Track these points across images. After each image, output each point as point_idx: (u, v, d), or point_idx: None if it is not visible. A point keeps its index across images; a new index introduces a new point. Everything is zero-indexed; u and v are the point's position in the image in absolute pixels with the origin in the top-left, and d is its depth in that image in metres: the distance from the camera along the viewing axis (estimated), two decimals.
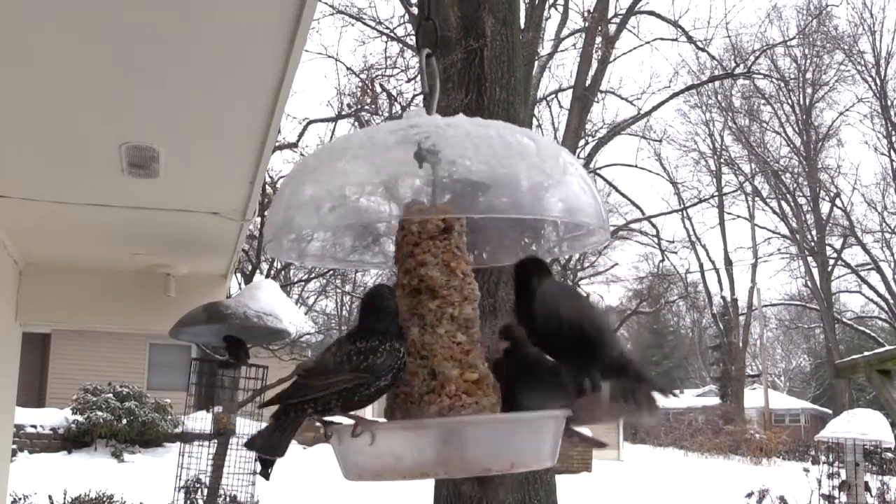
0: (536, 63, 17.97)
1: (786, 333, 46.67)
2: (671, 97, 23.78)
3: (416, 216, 1.28)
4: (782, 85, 32.12)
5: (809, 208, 33.85)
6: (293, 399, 1.22)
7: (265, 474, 1.42)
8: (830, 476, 11.79)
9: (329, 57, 21.41)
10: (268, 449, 1.22)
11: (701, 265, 37.39)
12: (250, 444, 1.28)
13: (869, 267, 33.60)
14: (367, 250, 1.52)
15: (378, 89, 16.52)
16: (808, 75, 32.76)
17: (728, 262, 37.23)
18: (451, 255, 1.28)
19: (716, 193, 34.72)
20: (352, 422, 1.20)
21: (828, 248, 34.16)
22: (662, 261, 33.74)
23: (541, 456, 1.22)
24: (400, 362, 1.23)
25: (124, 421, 17.15)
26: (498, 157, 1.18)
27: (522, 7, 13.26)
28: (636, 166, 27.64)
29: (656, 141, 28.88)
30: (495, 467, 1.18)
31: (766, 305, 39.66)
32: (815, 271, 33.57)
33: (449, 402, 1.21)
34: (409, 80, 16.13)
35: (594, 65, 19.54)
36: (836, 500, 11.40)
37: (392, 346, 1.23)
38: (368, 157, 1.23)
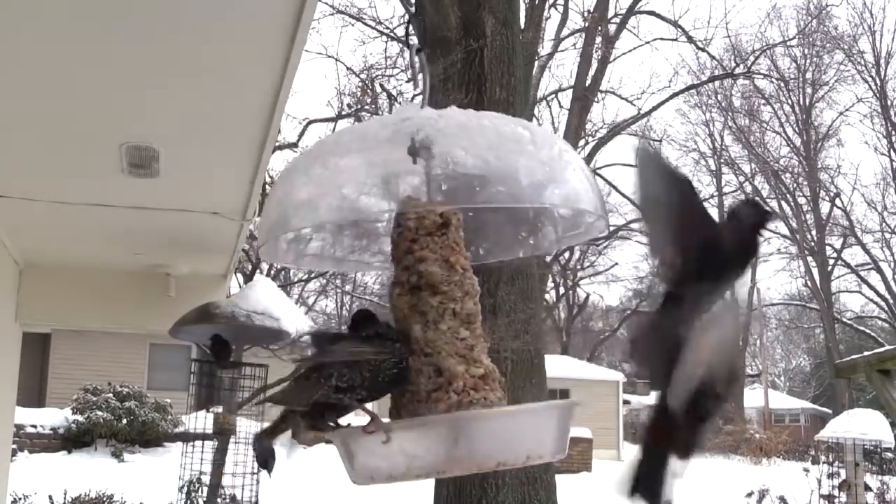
0: (536, 63, 17.97)
1: (786, 333, 46.66)
2: (671, 97, 23.79)
3: (413, 211, 1.27)
4: (782, 85, 32.10)
5: (809, 208, 33.85)
6: (321, 359, 1.18)
7: (268, 470, 1.40)
8: (830, 476, 11.80)
9: (329, 57, 21.35)
10: (295, 401, 1.19)
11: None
12: (272, 398, 1.25)
13: (869, 267, 33.60)
14: (366, 250, 1.51)
15: (378, 89, 16.52)
16: (808, 75, 32.76)
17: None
18: (450, 250, 1.26)
19: (716, 193, 34.70)
20: (358, 423, 1.19)
21: (828, 248, 34.15)
22: None
23: (555, 446, 1.21)
24: (402, 360, 1.21)
25: (124, 421, 17.16)
26: (493, 148, 1.17)
27: (522, 7, 13.25)
28: (636, 166, 27.61)
29: (656, 141, 28.88)
30: (510, 461, 1.16)
31: (766, 305, 39.66)
32: (815, 271, 33.58)
33: (457, 398, 1.19)
34: (408, 80, 16.10)
35: (594, 65, 19.54)
36: (836, 500, 11.41)
37: (392, 342, 1.22)
38: (362, 153, 1.22)
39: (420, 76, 1.35)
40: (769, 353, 44.22)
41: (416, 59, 1.37)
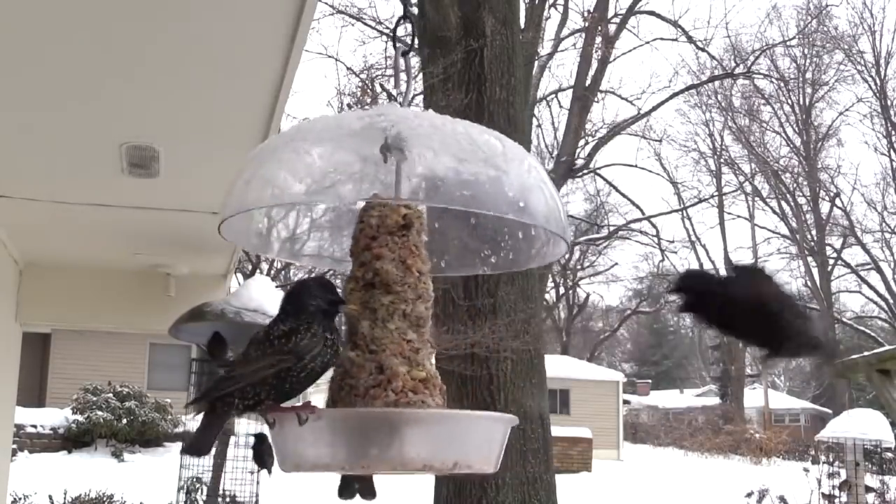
0: (536, 63, 17.98)
1: None
2: (671, 97, 23.79)
3: (377, 208, 1.28)
4: (782, 85, 32.08)
5: (809, 208, 33.84)
6: (219, 392, 1.18)
7: (268, 469, 1.41)
8: (830, 476, 11.81)
9: (329, 57, 21.22)
10: (194, 450, 1.21)
11: (701, 265, 37.34)
12: (184, 449, 1.26)
13: (869, 267, 33.58)
14: None
15: (378, 89, 16.54)
16: (808, 75, 32.72)
17: (728, 262, 37.13)
18: (409, 252, 1.28)
19: (716, 193, 34.70)
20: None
21: (828, 247, 34.14)
22: (662, 261, 33.80)
23: (487, 458, 1.21)
24: (329, 349, 1.21)
25: (124, 421, 17.16)
26: (465, 154, 1.18)
27: (522, 7, 13.24)
28: (636, 166, 27.62)
29: (656, 141, 28.89)
30: (437, 465, 1.17)
31: None
32: (815, 271, 33.57)
33: (395, 397, 1.21)
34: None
35: (594, 65, 19.55)
36: (837, 500, 11.42)
37: (314, 329, 1.21)
38: (333, 142, 1.23)
39: (403, 76, 1.36)
40: None
41: (402, 60, 1.38)
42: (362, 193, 1.30)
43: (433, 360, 1.30)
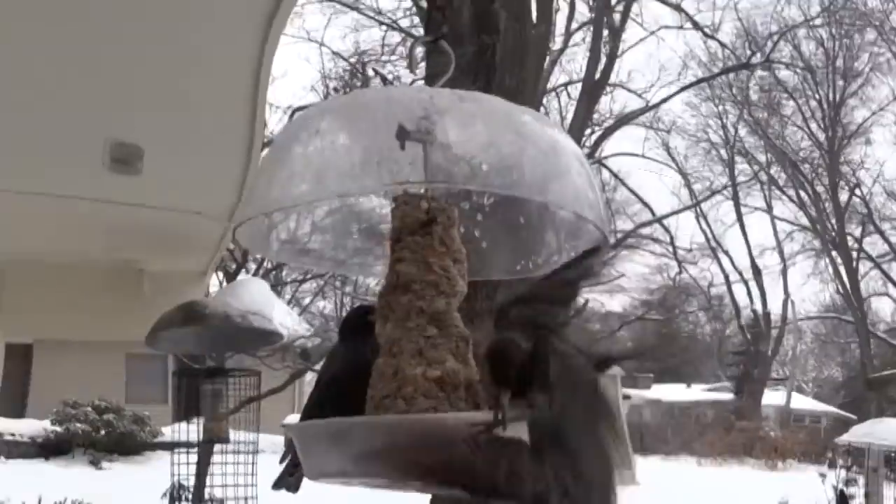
0: (548, 58, 18.26)
1: (821, 347, 45.71)
2: (680, 90, 23.73)
3: (399, 207, 1.28)
4: (808, 75, 30.77)
5: (828, 197, 33.10)
6: None
7: (295, 487, 1.47)
8: (848, 482, 11.83)
9: (312, 41, 20.78)
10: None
11: (726, 276, 36.33)
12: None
13: (890, 258, 33.04)
14: (369, 253, 1.51)
15: (371, 73, 16.59)
16: (839, 62, 31.26)
17: (756, 272, 36.31)
18: (431, 250, 1.26)
19: (729, 184, 34.30)
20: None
21: (848, 237, 33.41)
22: (679, 273, 32.70)
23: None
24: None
25: (102, 432, 17.37)
26: (500, 133, 1.17)
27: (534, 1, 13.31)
28: (643, 156, 27.52)
29: (664, 131, 28.61)
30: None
31: (801, 319, 38.49)
32: (843, 270, 33.15)
33: (404, 405, 1.19)
34: (407, 66, 16.23)
35: (603, 60, 20.02)
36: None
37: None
38: (358, 138, 1.22)
39: (420, 65, 1.35)
40: (800, 363, 43.45)
41: (437, 48, 1.40)
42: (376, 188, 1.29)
43: (469, 355, 1.26)
